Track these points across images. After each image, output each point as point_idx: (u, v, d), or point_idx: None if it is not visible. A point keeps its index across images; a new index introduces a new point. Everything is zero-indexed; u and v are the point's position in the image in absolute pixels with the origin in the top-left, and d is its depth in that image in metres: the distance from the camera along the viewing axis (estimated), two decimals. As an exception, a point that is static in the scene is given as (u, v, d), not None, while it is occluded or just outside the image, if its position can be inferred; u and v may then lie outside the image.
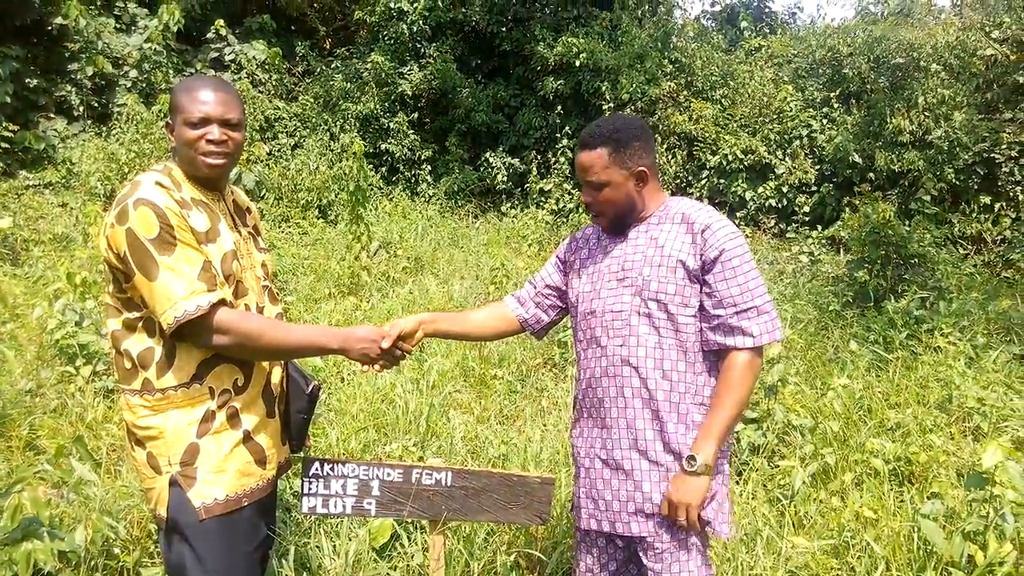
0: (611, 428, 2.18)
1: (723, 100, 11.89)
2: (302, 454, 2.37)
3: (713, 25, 16.47)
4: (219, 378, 1.98)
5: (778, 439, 4.07)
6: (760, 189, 10.90)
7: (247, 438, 2.04)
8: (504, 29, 13.26)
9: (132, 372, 1.95)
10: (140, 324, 1.94)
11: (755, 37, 13.68)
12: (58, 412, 4.35)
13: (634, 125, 2.19)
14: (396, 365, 2.25)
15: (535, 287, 2.49)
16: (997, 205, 9.65)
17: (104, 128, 10.64)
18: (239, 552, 2.05)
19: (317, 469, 2.32)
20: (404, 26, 12.79)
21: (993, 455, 2.77)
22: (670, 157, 11.48)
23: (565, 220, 10.71)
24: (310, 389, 2.21)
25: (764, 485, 3.69)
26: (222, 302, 1.91)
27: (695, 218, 2.12)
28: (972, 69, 10.48)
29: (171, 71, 11.63)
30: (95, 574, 2.82)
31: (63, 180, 9.93)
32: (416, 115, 12.70)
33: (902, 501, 3.41)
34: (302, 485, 2.32)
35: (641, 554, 2.18)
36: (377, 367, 2.16)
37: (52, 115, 10.72)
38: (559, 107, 12.24)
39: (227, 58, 12.39)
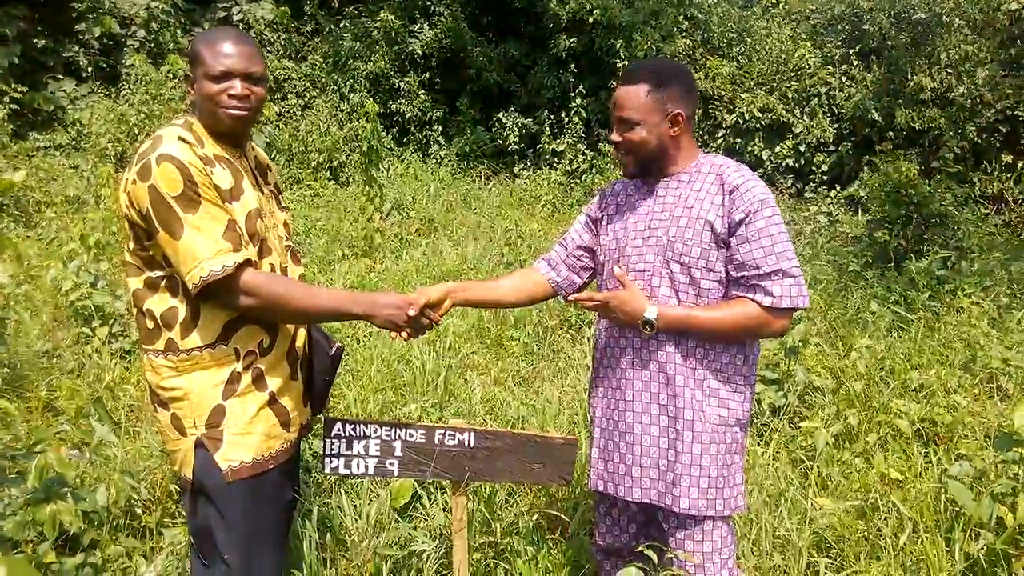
0: (625, 391, 2.14)
1: (740, 58, 11.66)
2: (322, 416, 2.35)
3: (729, -20, 16.11)
4: (244, 339, 1.95)
5: (799, 400, 4.04)
6: (777, 148, 10.72)
7: (272, 400, 2.02)
8: (515, -14, 12.97)
9: (155, 332, 1.91)
10: (163, 283, 1.90)
11: (773, -8, 13.35)
12: (75, 373, 4.36)
13: (679, 68, 2.13)
14: (423, 334, 2.21)
15: (566, 249, 2.40)
16: (1020, 163, 9.45)
17: (113, 89, 10.54)
18: (265, 514, 2.04)
19: (339, 430, 2.29)
20: (414, -17, 12.54)
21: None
22: (685, 116, 11.28)
23: (579, 181, 10.57)
24: (333, 351, 2.19)
25: (786, 446, 3.66)
26: (248, 262, 1.87)
27: (728, 177, 2.04)
28: (996, 24, 10.21)
29: (179, 31, 11.48)
30: (118, 534, 2.83)
31: (73, 142, 9.89)
32: (427, 75, 12.50)
33: (928, 462, 3.37)
34: (324, 445, 2.30)
35: (661, 519, 2.15)
36: (404, 335, 2.11)
37: (60, 76, 10.63)
38: (572, 66, 12.00)
39: (235, 17, 12.19)
